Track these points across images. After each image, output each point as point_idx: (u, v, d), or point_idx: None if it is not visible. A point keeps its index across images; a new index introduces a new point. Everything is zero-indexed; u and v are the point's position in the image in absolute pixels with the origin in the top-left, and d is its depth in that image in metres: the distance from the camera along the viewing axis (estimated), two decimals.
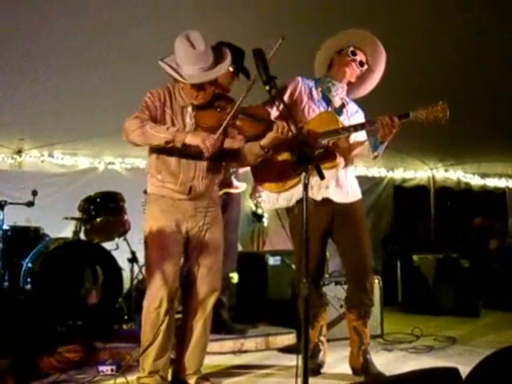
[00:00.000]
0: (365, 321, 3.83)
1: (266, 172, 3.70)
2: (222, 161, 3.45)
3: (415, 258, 6.55)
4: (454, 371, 2.26)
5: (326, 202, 3.77)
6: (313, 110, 3.77)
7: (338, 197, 3.79)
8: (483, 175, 9.18)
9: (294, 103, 3.77)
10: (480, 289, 6.53)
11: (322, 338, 4.02)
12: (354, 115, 3.86)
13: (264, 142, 3.19)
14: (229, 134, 3.36)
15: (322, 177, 2.48)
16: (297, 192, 3.69)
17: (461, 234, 8.57)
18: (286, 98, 3.74)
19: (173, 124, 3.29)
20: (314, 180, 3.55)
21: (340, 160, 3.72)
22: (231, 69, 4.17)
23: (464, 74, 5.82)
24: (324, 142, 3.61)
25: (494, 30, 5.26)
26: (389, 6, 4.74)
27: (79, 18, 4.58)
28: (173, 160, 3.31)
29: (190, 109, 3.33)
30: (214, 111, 3.30)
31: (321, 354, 3.99)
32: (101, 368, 3.70)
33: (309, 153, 2.53)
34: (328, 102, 3.81)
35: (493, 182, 9.28)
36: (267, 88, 2.84)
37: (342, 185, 3.80)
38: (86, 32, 4.72)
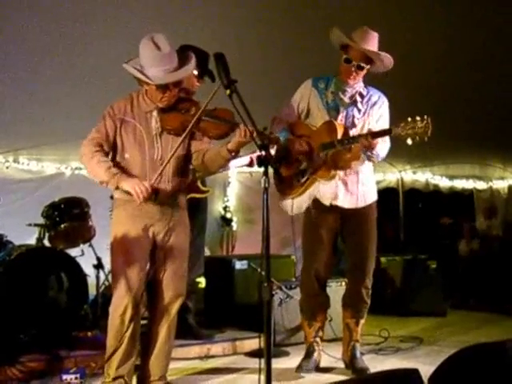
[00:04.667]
0: (357, 320, 4.07)
1: (283, 182, 3.87)
2: (189, 165, 3.45)
3: (383, 260, 6.59)
4: (415, 372, 2.28)
5: (335, 206, 3.93)
6: (324, 114, 3.91)
7: (346, 203, 3.94)
8: (451, 177, 9.29)
9: (307, 109, 3.98)
10: (447, 289, 6.59)
11: (318, 339, 4.11)
12: (371, 109, 3.93)
13: (230, 145, 3.20)
14: (196, 136, 3.38)
15: (281, 181, 2.50)
16: (308, 196, 3.92)
17: (429, 235, 8.66)
18: (298, 104, 3.99)
19: (136, 131, 3.31)
20: (325, 188, 3.87)
21: (336, 171, 3.83)
22: (196, 72, 4.17)
23: (433, 77, 5.91)
24: (322, 154, 3.79)
25: (467, 37, 5.37)
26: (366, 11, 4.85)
27: (44, 25, 4.55)
28: (139, 163, 3.32)
29: (155, 113, 3.35)
30: (178, 114, 3.34)
31: (315, 354, 4.08)
32: (64, 376, 3.63)
33: (268, 156, 2.53)
34: (338, 104, 3.91)
35: (460, 184, 9.41)
36: (228, 92, 2.84)
37: (351, 191, 3.94)
38: (50, 39, 4.68)
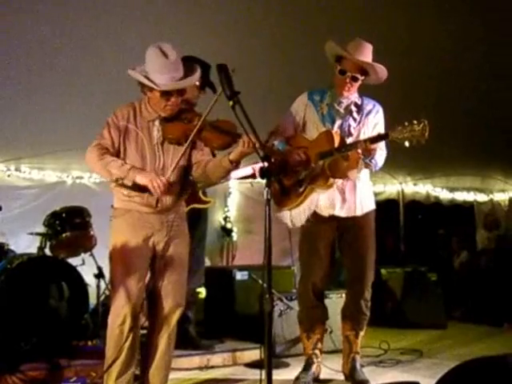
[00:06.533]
0: (357, 332, 4.04)
1: (281, 194, 3.83)
2: (190, 175, 3.45)
3: (383, 271, 6.58)
4: None
5: (333, 216, 3.92)
6: (320, 126, 3.91)
7: (344, 212, 3.93)
8: (452, 189, 9.29)
9: (303, 122, 3.98)
10: (447, 301, 6.57)
11: (317, 351, 4.08)
12: (366, 118, 3.95)
13: (232, 156, 3.22)
14: (197, 146, 3.39)
15: (284, 191, 2.51)
16: (306, 208, 3.88)
17: (429, 247, 8.63)
18: (294, 118, 3.99)
19: (138, 139, 3.32)
20: (323, 199, 3.87)
21: (334, 180, 3.82)
22: (197, 83, 4.18)
23: (435, 89, 5.93)
24: (319, 163, 3.78)
25: (470, 50, 5.40)
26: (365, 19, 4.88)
27: (46, 34, 4.58)
28: None
29: (157, 122, 3.35)
30: (181, 123, 3.34)
31: (314, 366, 4.06)
32: None
33: (270, 168, 2.54)
34: (334, 115, 3.93)
35: (461, 196, 9.39)
36: (231, 103, 2.86)
37: (348, 199, 3.92)
38: (52, 47, 4.71)
